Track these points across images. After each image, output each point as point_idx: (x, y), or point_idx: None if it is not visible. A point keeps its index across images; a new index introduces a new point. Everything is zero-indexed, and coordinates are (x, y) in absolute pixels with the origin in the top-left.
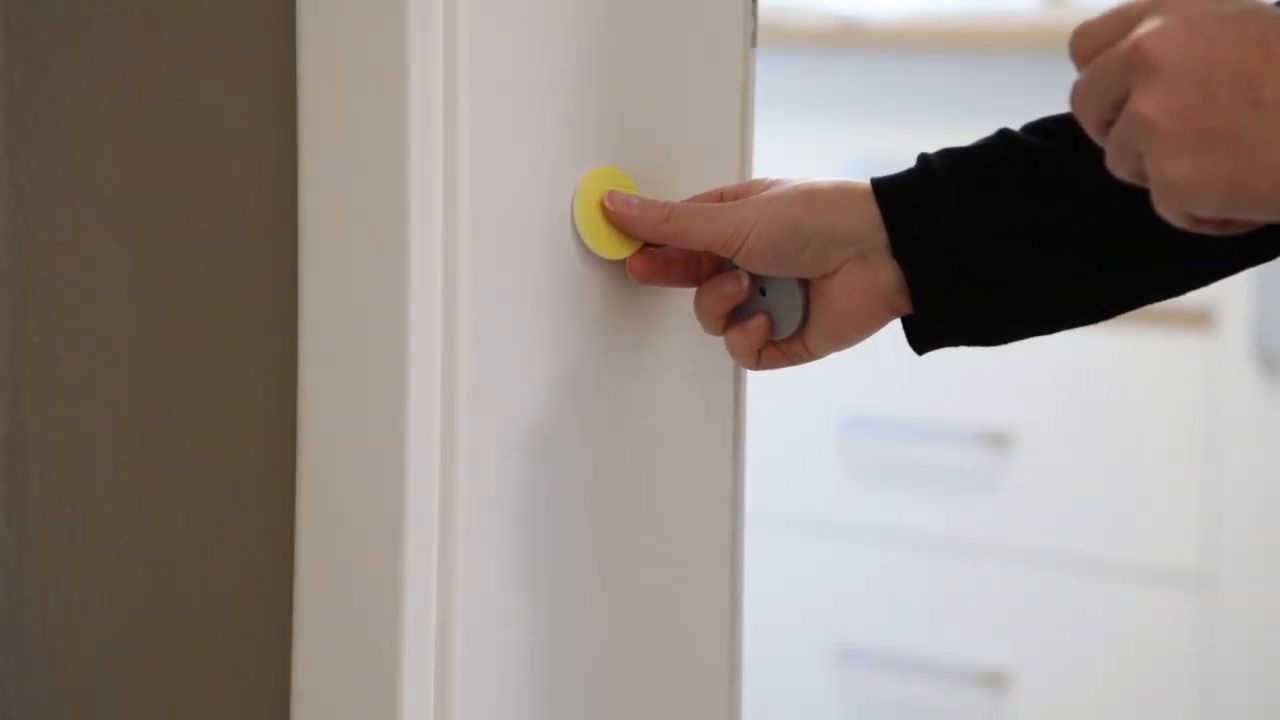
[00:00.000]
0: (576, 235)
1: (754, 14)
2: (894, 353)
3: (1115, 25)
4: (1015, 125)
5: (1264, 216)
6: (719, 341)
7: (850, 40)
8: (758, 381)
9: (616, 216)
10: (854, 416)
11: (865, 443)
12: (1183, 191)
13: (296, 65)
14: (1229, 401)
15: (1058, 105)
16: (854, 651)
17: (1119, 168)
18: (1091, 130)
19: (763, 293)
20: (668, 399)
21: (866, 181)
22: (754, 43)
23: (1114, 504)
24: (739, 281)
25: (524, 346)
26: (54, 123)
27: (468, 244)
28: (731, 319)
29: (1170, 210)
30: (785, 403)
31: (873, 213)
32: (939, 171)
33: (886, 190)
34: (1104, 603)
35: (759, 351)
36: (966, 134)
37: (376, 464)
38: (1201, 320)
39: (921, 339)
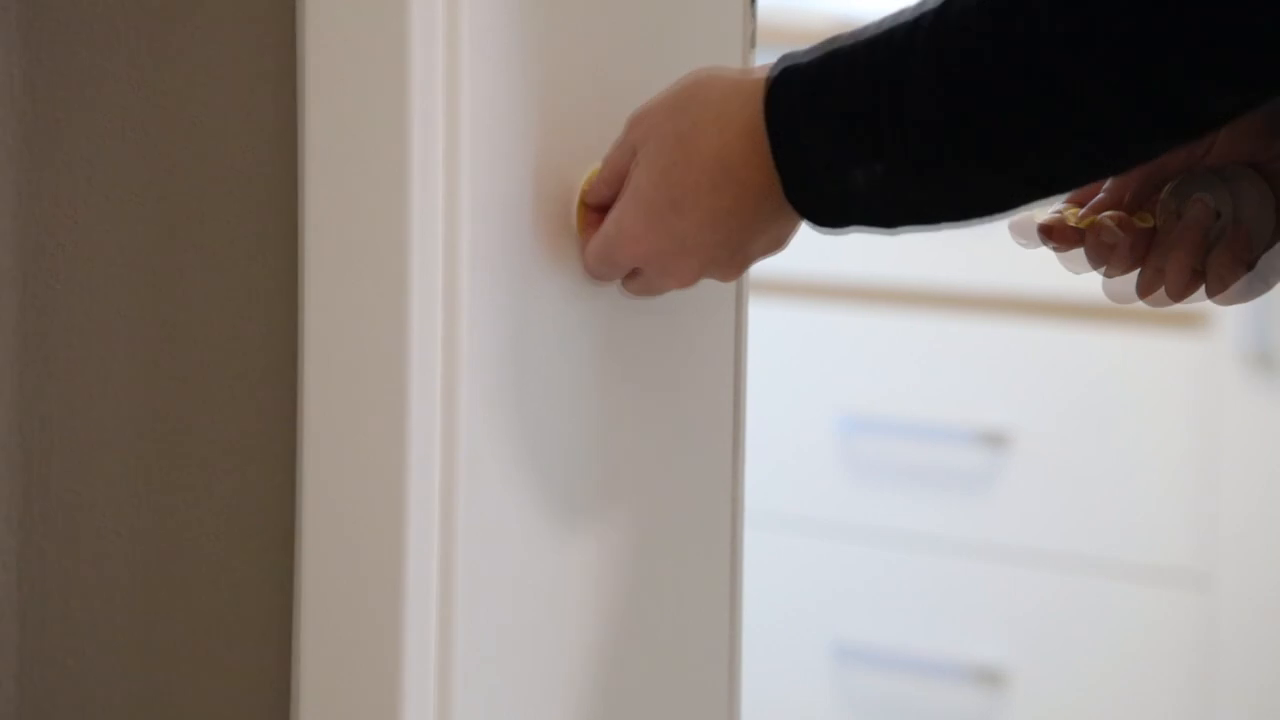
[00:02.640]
0: (576, 235)
1: (753, 15)
2: (892, 353)
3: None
4: None
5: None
6: (719, 341)
7: None
8: (757, 382)
9: None
10: (852, 416)
11: (863, 442)
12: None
13: (300, 70)
14: (1222, 401)
15: None
16: (851, 650)
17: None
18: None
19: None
20: (668, 399)
21: None
22: (753, 43)
23: (1109, 503)
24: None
25: (524, 345)
26: (65, 128)
27: (468, 244)
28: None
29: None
30: (783, 403)
31: None
32: None
33: None
34: (1100, 601)
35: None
36: None
37: (378, 462)
38: (1194, 320)
39: None
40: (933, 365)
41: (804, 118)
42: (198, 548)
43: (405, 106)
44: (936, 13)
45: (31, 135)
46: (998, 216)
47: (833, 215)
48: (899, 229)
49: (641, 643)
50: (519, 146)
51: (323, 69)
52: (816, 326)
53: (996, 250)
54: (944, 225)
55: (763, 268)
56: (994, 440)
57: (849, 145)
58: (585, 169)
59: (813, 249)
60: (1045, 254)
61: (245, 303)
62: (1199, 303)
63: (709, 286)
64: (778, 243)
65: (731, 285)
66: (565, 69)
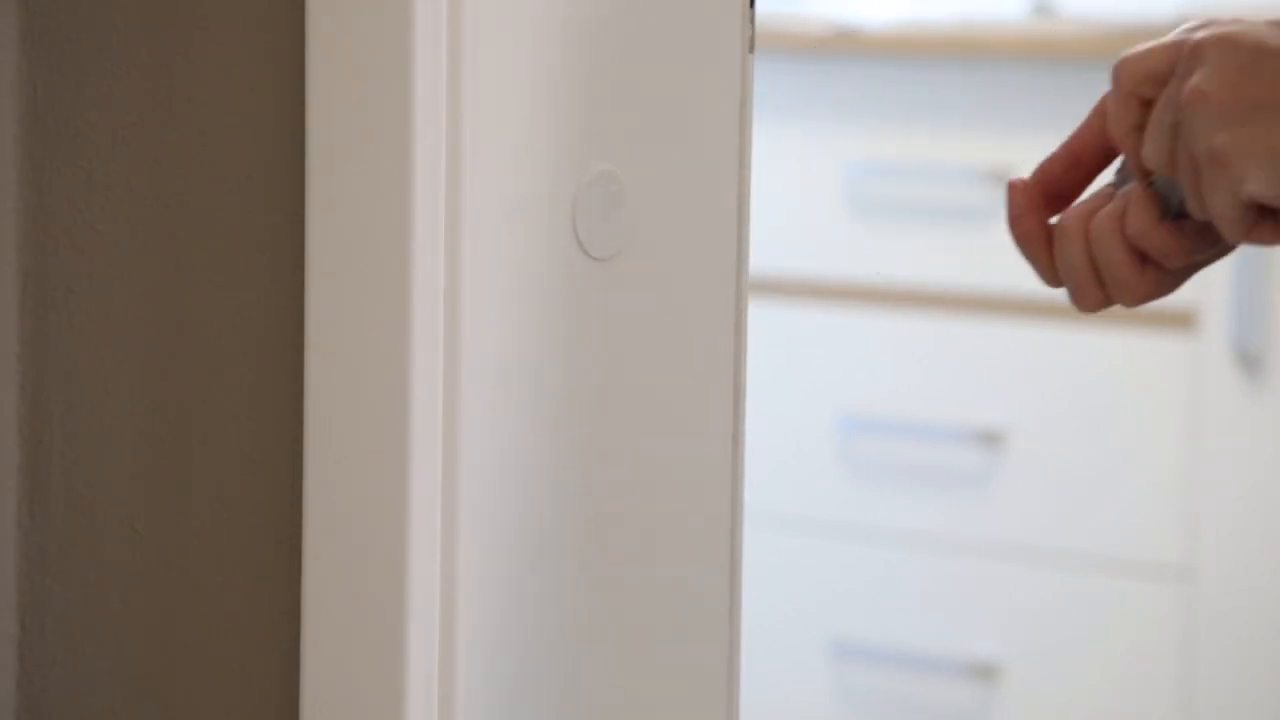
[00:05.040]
0: (577, 236)
1: (752, 21)
2: (890, 353)
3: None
4: (1005, 129)
5: None
6: (717, 340)
7: (846, 47)
8: (756, 381)
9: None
10: (851, 416)
11: (861, 441)
12: (1229, 160)
13: (305, 75)
14: (1210, 400)
15: (1045, 108)
16: (849, 647)
17: (1154, 154)
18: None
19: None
20: (667, 397)
21: None
22: (752, 48)
23: (1102, 500)
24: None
25: (524, 343)
26: (75, 130)
27: (469, 243)
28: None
29: (1218, 188)
30: (782, 402)
31: None
32: None
33: None
34: (1092, 597)
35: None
36: (959, 137)
37: (381, 459)
38: (1183, 321)
39: None
40: (930, 365)
41: None
42: (200, 548)
43: (408, 109)
44: None
45: (32, 133)
46: None
47: None
48: None
49: (641, 640)
50: (520, 149)
51: (327, 69)
52: (816, 326)
53: (993, 251)
54: None
55: (763, 268)
56: (990, 439)
57: None
58: (585, 172)
59: (811, 249)
60: None
61: (249, 302)
62: (1186, 303)
63: (708, 286)
64: None
65: (731, 285)
66: (564, 73)
